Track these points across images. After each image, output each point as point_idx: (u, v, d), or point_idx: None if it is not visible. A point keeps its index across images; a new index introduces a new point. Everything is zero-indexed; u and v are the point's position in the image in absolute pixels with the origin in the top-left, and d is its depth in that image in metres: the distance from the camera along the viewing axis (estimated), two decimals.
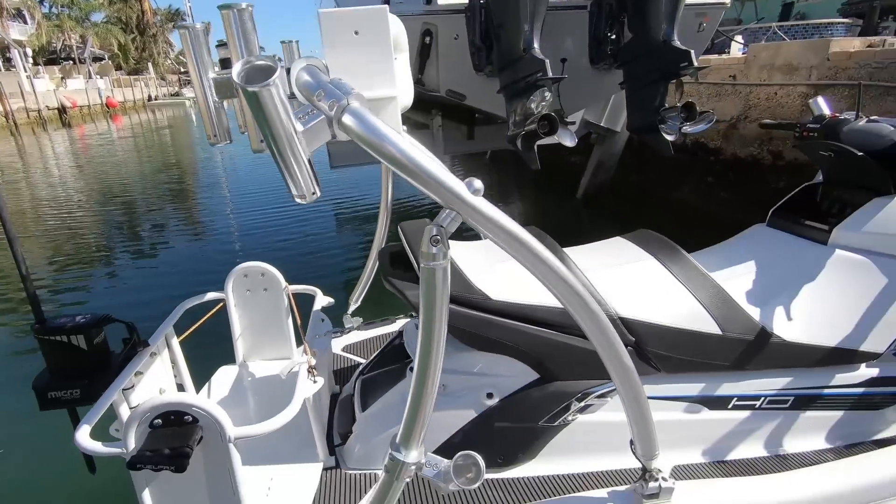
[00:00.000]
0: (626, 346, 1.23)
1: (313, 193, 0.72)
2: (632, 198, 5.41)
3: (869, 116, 1.70)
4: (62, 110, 25.68)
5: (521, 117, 2.79)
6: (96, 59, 37.34)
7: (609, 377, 1.08)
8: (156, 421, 0.92)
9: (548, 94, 2.64)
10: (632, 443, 1.02)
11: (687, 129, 2.83)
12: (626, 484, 1.17)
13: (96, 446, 0.96)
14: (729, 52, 5.91)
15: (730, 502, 1.13)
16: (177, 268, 4.95)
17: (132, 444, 0.91)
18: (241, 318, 1.67)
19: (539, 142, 2.79)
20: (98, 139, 19.14)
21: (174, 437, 0.91)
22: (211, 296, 1.60)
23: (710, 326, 1.28)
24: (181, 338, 1.51)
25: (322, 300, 1.67)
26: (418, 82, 3.28)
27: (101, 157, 14.24)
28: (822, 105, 1.88)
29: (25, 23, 30.44)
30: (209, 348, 1.76)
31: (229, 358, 1.74)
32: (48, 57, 33.79)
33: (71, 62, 34.58)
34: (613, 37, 3.29)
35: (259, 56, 0.61)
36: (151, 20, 45.94)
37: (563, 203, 5.87)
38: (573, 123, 3.86)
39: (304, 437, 1.33)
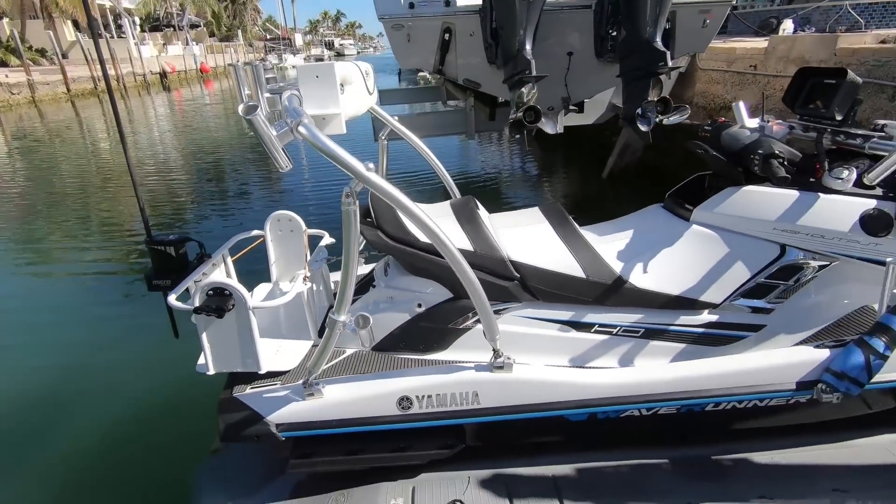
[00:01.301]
0: (513, 280, 1.80)
1: (287, 167, 1.36)
2: (655, 179, 5.67)
3: (779, 121, 2.10)
4: (163, 75, 28.30)
5: (515, 106, 3.29)
6: (193, 26, 40.20)
7: (497, 299, 1.67)
8: (209, 291, 1.62)
9: (534, 89, 3.12)
10: (485, 333, 1.59)
11: (666, 120, 3.22)
12: None
13: (178, 304, 1.68)
14: (778, 32, 5.86)
15: (558, 380, 1.67)
16: (241, 211, 6.57)
17: (196, 302, 1.61)
18: (275, 250, 2.37)
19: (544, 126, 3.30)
20: (192, 104, 21.11)
21: (218, 300, 1.60)
22: (255, 232, 2.31)
23: (577, 271, 1.79)
24: (234, 258, 2.24)
25: (328, 240, 2.33)
26: (439, 72, 3.84)
27: (195, 121, 15.94)
28: (742, 109, 2.29)
29: None
30: (258, 271, 2.51)
31: (266, 278, 2.46)
32: (152, 24, 36.95)
33: (171, 29, 37.59)
34: (614, 33, 3.65)
35: (247, 101, 1.23)
36: None
37: (589, 181, 6.25)
38: (575, 109, 4.27)
39: (302, 323, 2.02)
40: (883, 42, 3.57)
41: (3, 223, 6.54)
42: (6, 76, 18.92)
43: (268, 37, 53.74)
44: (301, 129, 1.28)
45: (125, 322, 3.86)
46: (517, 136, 3.21)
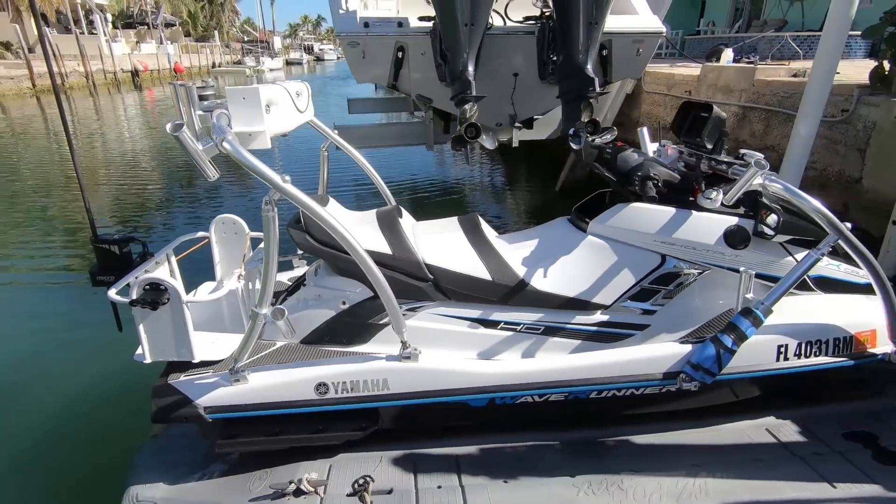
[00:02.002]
0: (427, 281, 2.01)
1: (214, 177, 1.54)
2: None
3: (673, 146, 2.39)
4: (135, 73, 27.86)
5: (458, 123, 3.54)
6: (167, 24, 39.63)
7: (413, 297, 1.88)
8: (146, 286, 1.79)
9: (475, 108, 3.36)
10: (392, 326, 1.80)
11: (598, 140, 3.51)
12: None
13: (117, 298, 1.84)
14: (719, 60, 6.30)
15: (459, 369, 1.88)
16: (190, 211, 6.84)
17: (134, 295, 1.77)
18: (219, 251, 2.54)
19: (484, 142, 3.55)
20: (163, 104, 20.86)
21: (154, 294, 1.77)
22: (200, 234, 2.48)
23: (484, 274, 2.02)
24: (179, 257, 2.40)
25: None
26: (393, 87, 4.07)
27: (162, 121, 15.79)
28: (645, 134, 2.59)
29: None
30: (204, 270, 2.66)
31: (212, 276, 2.62)
32: (125, 21, 36.32)
33: (145, 27, 37.01)
34: (554, 58, 3.94)
35: (174, 122, 1.42)
36: None
37: (544, 193, 6.60)
38: (519, 128, 4.56)
39: (239, 317, 2.19)
40: (794, 76, 3.95)
41: None
42: None
43: (245, 39, 53.29)
44: (225, 144, 1.48)
45: (70, 317, 4.00)
46: (460, 149, 3.45)
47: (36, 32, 25.06)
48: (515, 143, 5.04)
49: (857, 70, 4.24)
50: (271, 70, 42.79)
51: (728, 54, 6.06)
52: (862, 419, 2.06)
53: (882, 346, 2.02)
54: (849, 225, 1.80)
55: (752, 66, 4.32)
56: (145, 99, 22.50)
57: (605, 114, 6.07)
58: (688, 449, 1.95)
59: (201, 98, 1.56)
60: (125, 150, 11.60)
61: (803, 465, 1.83)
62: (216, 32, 47.87)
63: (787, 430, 2.03)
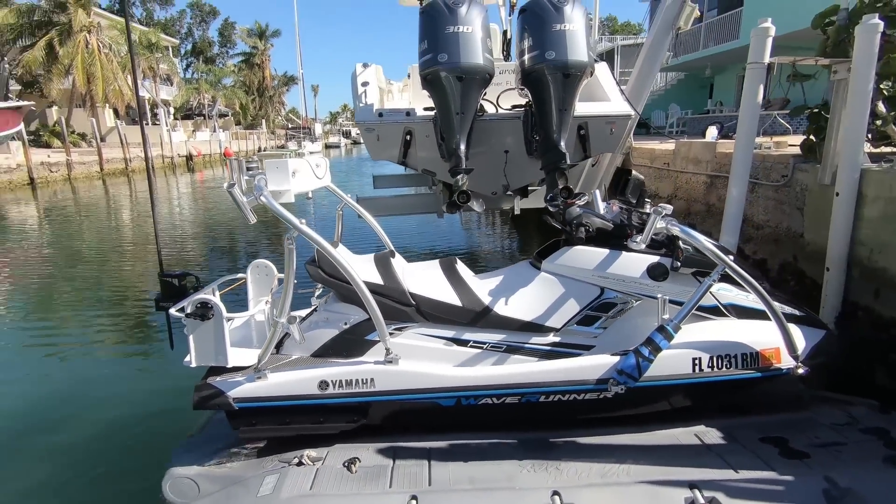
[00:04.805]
0: (411, 306, 2.56)
1: (252, 221, 2.19)
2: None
3: (616, 203, 2.96)
4: (189, 158, 30.76)
5: (452, 191, 4.21)
6: (221, 115, 44.01)
7: (399, 319, 2.43)
8: (198, 304, 2.39)
9: (465, 178, 4.04)
10: (378, 336, 2.32)
11: (577, 202, 4.11)
12: None
13: (176, 314, 2.44)
14: (705, 136, 6.94)
15: (429, 371, 2.36)
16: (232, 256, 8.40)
17: (189, 309, 2.37)
18: (252, 288, 3.16)
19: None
20: (211, 184, 22.94)
21: (203, 309, 2.36)
22: (239, 275, 3.12)
23: (455, 301, 2.55)
24: (222, 292, 3.02)
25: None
26: (403, 163, 4.84)
27: (210, 196, 17.45)
28: (597, 195, 3.17)
29: (171, 86, 37.10)
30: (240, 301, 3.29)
31: (245, 307, 3.22)
32: (185, 113, 40.56)
33: (201, 118, 41.17)
34: (537, 138, 4.66)
35: (229, 182, 2.09)
36: (270, 84, 53.35)
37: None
38: (511, 195, 5.21)
39: (264, 336, 2.74)
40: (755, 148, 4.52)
41: (50, 276, 7.78)
42: (48, 156, 20.91)
43: (289, 125, 58.07)
44: (262, 198, 2.14)
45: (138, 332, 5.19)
46: (453, 212, 4.09)
47: (107, 125, 28.34)
48: (517, 211, 5.71)
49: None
50: (311, 153, 46.02)
51: (712, 131, 6.69)
52: (779, 427, 2.40)
53: (786, 363, 2.40)
54: (731, 257, 2.28)
55: (714, 141, 4.93)
56: (196, 180, 24.78)
57: (598, 182, 6.72)
58: (624, 448, 2.32)
59: (248, 168, 2.25)
60: (183, 214, 13.51)
61: (716, 458, 2.18)
62: (263, 121, 52.48)
63: (712, 435, 2.38)
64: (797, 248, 3.69)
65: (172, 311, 2.47)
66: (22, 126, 19.61)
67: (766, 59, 3.28)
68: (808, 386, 2.51)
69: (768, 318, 2.43)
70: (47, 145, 23.61)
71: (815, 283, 3.46)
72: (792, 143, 4.56)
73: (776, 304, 2.32)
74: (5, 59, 26.94)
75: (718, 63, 17.04)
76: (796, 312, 2.54)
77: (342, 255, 2.27)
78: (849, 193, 3.04)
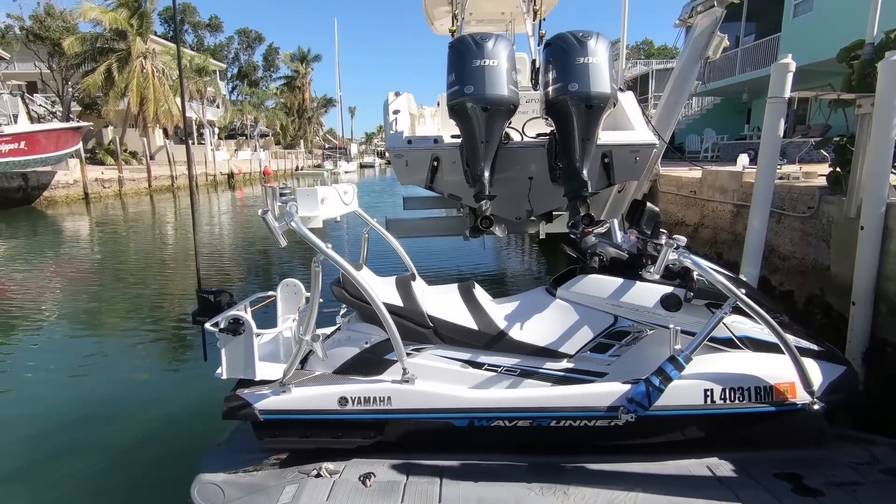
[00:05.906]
0: (428, 328, 2.67)
1: (283, 244, 2.36)
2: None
3: (633, 234, 3.02)
4: (231, 176, 32.08)
5: (476, 216, 4.34)
6: (262, 135, 45.86)
7: (417, 340, 2.55)
8: (231, 319, 2.56)
9: (488, 204, 4.17)
10: (396, 356, 2.43)
11: (596, 230, 4.17)
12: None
13: (210, 328, 2.62)
14: (736, 164, 6.87)
15: (444, 392, 2.45)
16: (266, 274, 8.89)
17: (222, 325, 2.54)
18: (282, 306, 3.33)
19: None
20: (252, 200, 23.87)
21: (235, 324, 2.54)
22: (270, 293, 3.30)
23: (472, 325, 2.65)
24: (254, 308, 3.21)
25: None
26: (430, 188, 5.01)
27: (249, 215, 18.19)
28: (615, 224, 3.24)
29: (217, 107, 38.98)
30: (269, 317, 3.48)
31: (274, 324, 3.40)
32: (228, 133, 42.46)
33: (244, 137, 42.98)
34: (561, 165, 4.75)
35: (263, 208, 2.27)
36: (309, 106, 55.31)
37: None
38: (534, 220, 5.31)
39: (290, 352, 2.90)
40: (780, 178, 4.49)
41: (98, 287, 8.33)
42: (102, 173, 22.25)
43: (326, 146, 59.85)
44: (293, 223, 2.31)
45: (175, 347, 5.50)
46: (476, 236, 4.21)
47: (157, 144, 29.94)
48: (543, 235, 5.79)
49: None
50: (346, 172, 47.50)
51: (744, 159, 6.62)
52: (795, 464, 2.37)
53: (801, 398, 2.38)
54: (744, 290, 2.31)
55: (742, 170, 4.90)
56: (237, 197, 25.80)
57: (625, 208, 6.75)
58: (633, 476, 2.34)
59: (281, 195, 2.44)
60: (223, 233, 14.20)
61: (726, 490, 2.18)
62: (302, 141, 54.26)
63: (724, 468, 2.38)
64: (824, 280, 3.63)
65: (207, 325, 2.65)
66: (80, 145, 20.94)
67: (787, 94, 3.31)
68: (831, 423, 2.48)
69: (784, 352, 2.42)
70: (101, 163, 25.14)
71: (841, 316, 3.40)
72: (821, 173, 4.49)
73: (790, 338, 2.32)
74: (69, 83, 28.97)
75: (756, 89, 16.78)
76: (814, 347, 2.52)
77: (364, 278, 2.41)
78: (874, 227, 3.01)
